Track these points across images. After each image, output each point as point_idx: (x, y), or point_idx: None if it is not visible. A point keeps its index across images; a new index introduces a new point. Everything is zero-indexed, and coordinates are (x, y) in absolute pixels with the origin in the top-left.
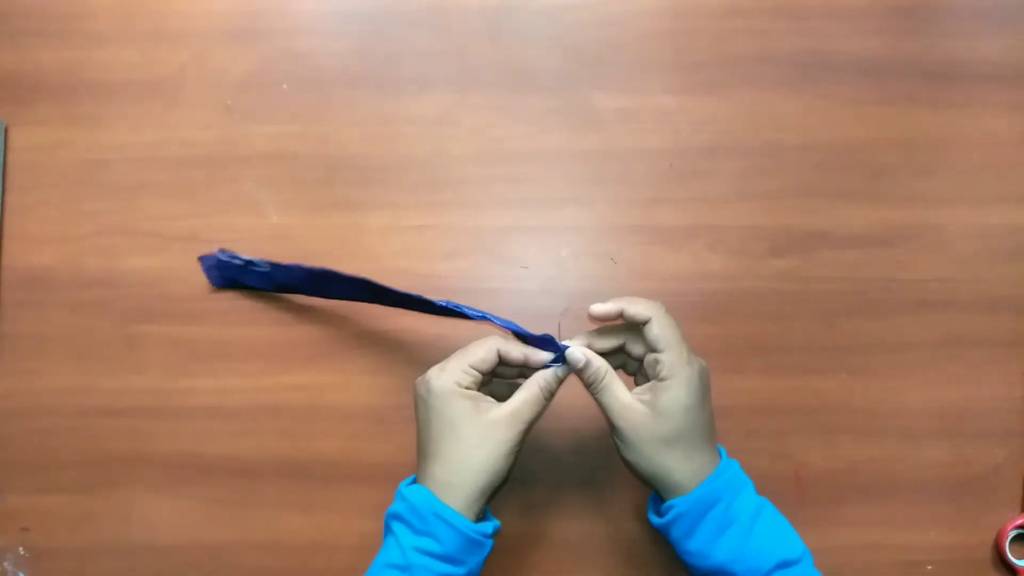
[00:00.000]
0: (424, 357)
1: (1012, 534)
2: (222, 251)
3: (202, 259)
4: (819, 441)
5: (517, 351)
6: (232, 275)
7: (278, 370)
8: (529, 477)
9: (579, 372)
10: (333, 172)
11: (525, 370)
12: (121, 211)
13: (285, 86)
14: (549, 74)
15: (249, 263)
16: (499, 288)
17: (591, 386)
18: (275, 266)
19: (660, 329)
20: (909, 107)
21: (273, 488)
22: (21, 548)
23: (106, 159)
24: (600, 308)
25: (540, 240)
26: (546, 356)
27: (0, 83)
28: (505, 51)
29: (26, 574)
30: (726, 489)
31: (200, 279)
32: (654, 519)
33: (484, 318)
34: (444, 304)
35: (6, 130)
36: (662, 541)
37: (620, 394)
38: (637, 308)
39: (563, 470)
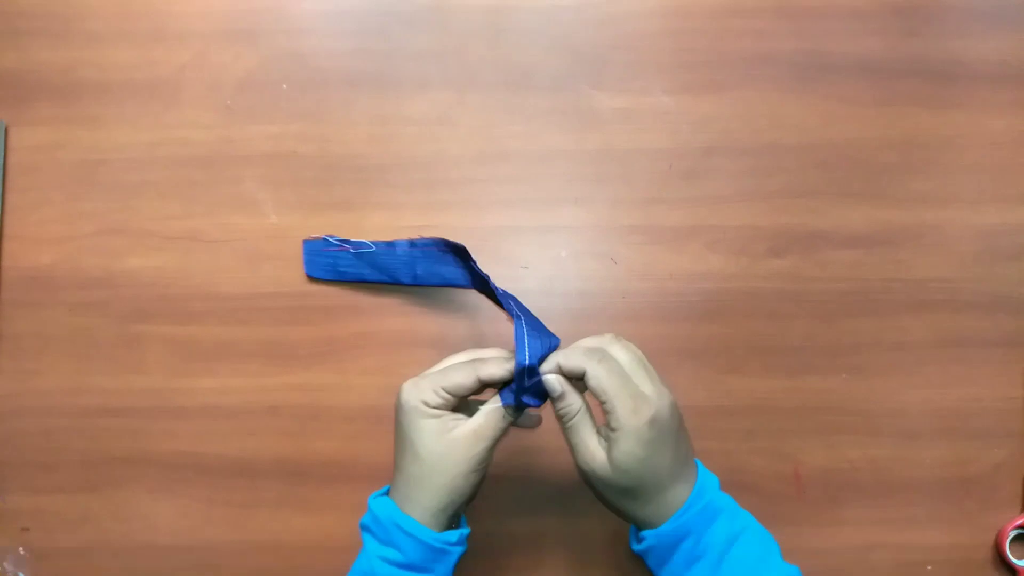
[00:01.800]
0: (424, 357)
1: (1012, 534)
2: (329, 236)
3: (306, 243)
4: (819, 441)
5: (501, 371)
6: (333, 263)
7: (278, 370)
8: (528, 477)
9: (553, 401)
10: (333, 172)
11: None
12: (121, 211)
13: (285, 86)
14: (549, 74)
15: (356, 245)
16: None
17: (561, 419)
18: (379, 245)
19: (595, 381)
20: (909, 107)
21: (273, 488)
22: (21, 548)
23: (106, 159)
24: (545, 368)
25: (540, 240)
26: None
27: (0, 83)
28: (505, 51)
29: (26, 574)
30: (695, 523)
31: (199, 279)
32: (633, 545)
33: (518, 323)
34: (515, 313)
35: (6, 130)
36: None
37: (587, 438)
38: (571, 362)
39: (564, 470)
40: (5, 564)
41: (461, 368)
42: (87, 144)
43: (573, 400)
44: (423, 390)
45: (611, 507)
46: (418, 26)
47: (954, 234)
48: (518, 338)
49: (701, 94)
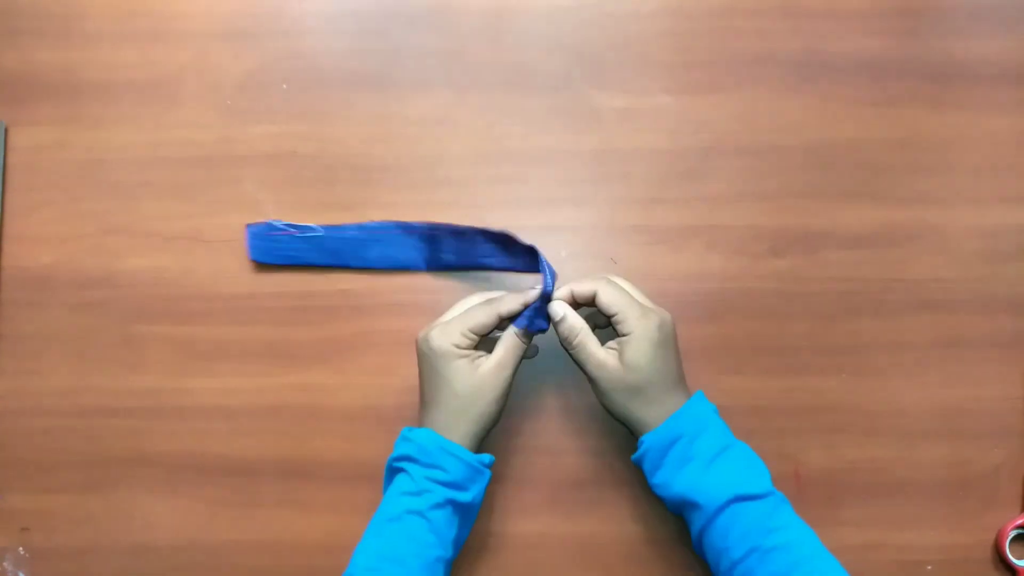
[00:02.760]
0: None
1: (1012, 534)
2: (274, 220)
3: (249, 227)
4: (819, 441)
5: (517, 305)
6: (279, 247)
7: (278, 370)
8: (531, 477)
9: (555, 324)
10: (333, 172)
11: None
12: (121, 211)
13: (285, 86)
14: (549, 74)
15: (302, 228)
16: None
17: (565, 340)
18: (328, 229)
19: (607, 297)
20: (909, 107)
21: (273, 488)
22: (21, 548)
23: (106, 159)
24: (556, 296)
25: (540, 240)
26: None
27: (0, 83)
28: (505, 51)
29: (26, 574)
30: (689, 426)
31: (199, 279)
32: (633, 456)
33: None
34: (526, 245)
35: (6, 130)
36: (662, 541)
37: (594, 349)
38: (583, 287)
39: (564, 470)
40: (5, 564)
41: (481, 308)
42: (87, 144)
43: (574, 321)
44: (451, 334)
45: (618, 412)
46: (418, 26)
47: (954, 234)
48: (543, 265)
49: (701, 94)
